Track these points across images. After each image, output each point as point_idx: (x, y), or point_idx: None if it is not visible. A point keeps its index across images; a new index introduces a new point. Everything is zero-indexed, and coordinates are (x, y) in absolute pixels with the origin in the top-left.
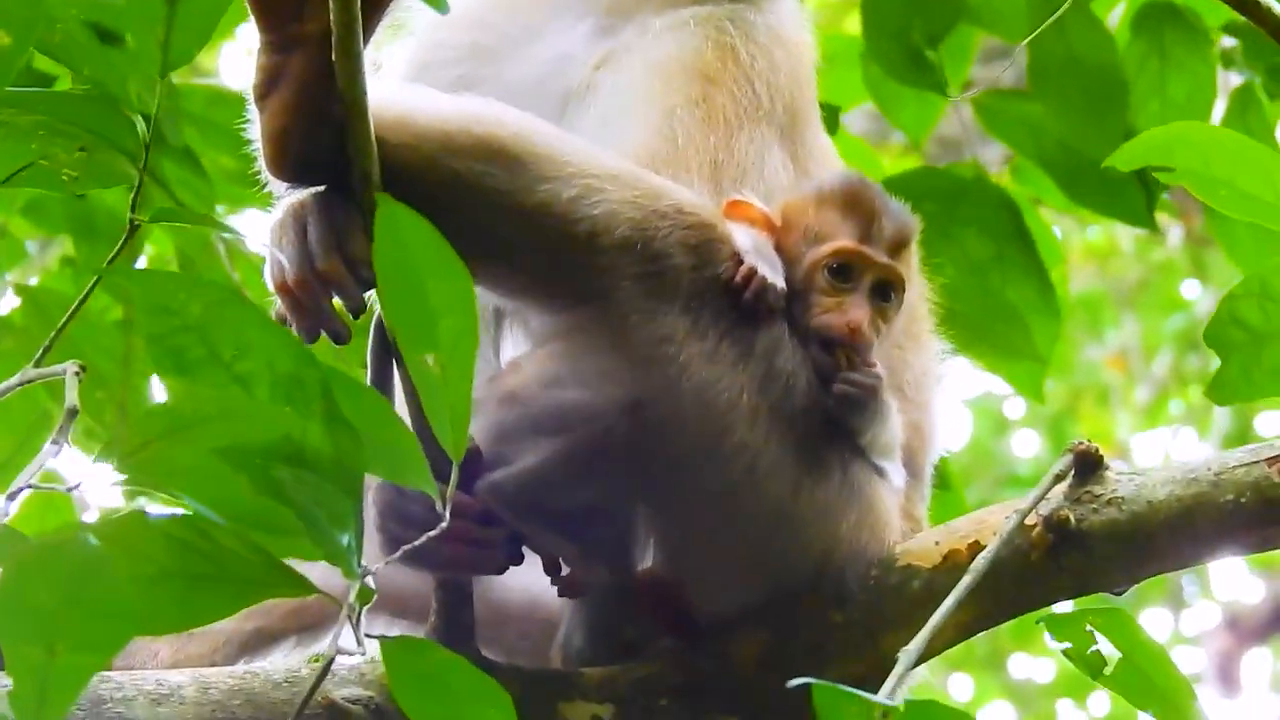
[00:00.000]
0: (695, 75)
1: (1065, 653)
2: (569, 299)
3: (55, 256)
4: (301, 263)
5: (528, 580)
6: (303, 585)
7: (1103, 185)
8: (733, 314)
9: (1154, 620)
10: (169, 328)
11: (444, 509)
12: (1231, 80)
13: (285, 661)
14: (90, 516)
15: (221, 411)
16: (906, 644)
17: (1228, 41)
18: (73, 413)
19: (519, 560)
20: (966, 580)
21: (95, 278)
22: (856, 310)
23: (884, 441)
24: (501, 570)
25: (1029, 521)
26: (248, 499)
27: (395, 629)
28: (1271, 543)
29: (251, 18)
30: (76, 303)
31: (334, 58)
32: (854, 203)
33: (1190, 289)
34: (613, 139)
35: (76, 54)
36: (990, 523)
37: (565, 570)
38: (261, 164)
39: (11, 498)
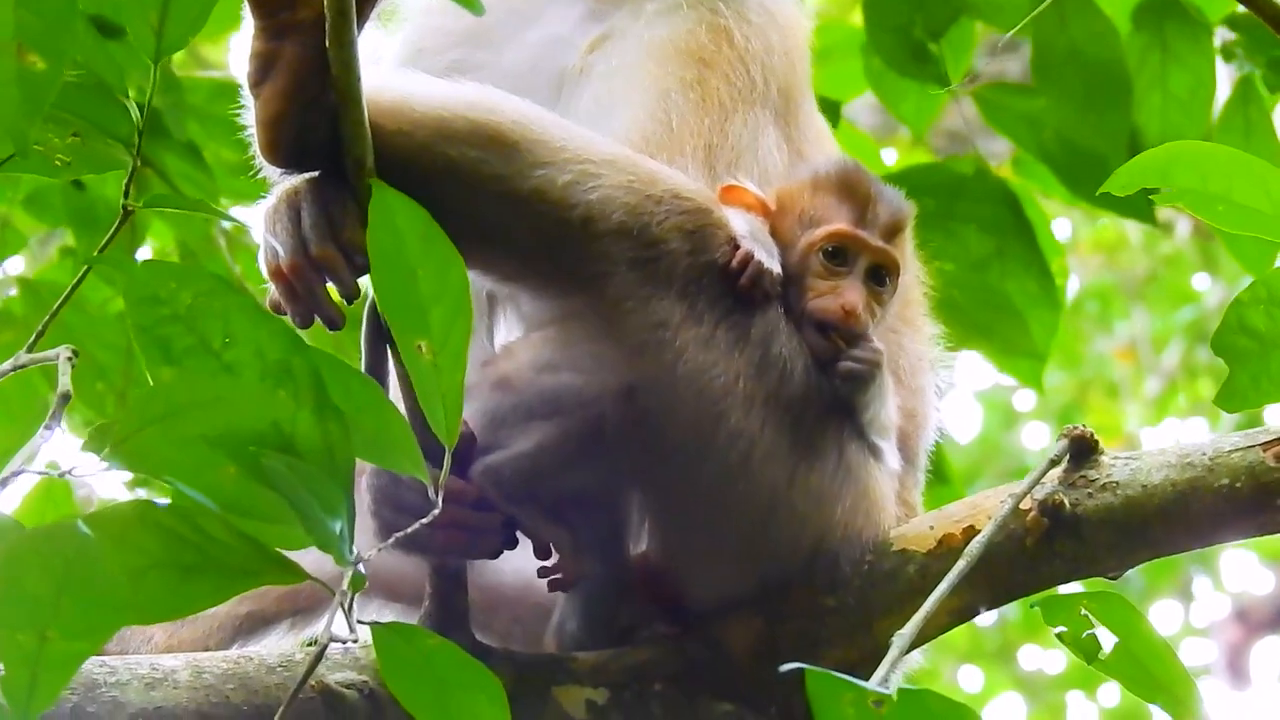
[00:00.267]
0: (689, 58)
1: (1060, 637)
2: (564, 284)
3: (57, 248)
4: (296, 249)
5: (522, 565)
6: (294, 572)
7: (1104, 180)
8: (729, 299)
9: (1164, 612)
10: (157, 317)
11: (436, 495)
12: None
13: (279, 646)
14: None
15: (211, 398)
16: (900, 629)
17: (1228, 35)
18: (65, 397)
19: (513, 545)
20: (960, 565)
21: (88, 269)
22: (851, 293)
23: (883, 420)
24: (496, 555)
25: (1024, 506)
26: (238, 487)
27: (390, 614)
28: (1267, 527)
29: (245, 4)
30: (68, 290)
31: (328, 44)
32: (849, 187)
33: (1201, 281)
34: (606, 123)
35: (70, 41)
36: (985, 507)
37: (555, 561)
38: (256, 150)
39: (3, 484)
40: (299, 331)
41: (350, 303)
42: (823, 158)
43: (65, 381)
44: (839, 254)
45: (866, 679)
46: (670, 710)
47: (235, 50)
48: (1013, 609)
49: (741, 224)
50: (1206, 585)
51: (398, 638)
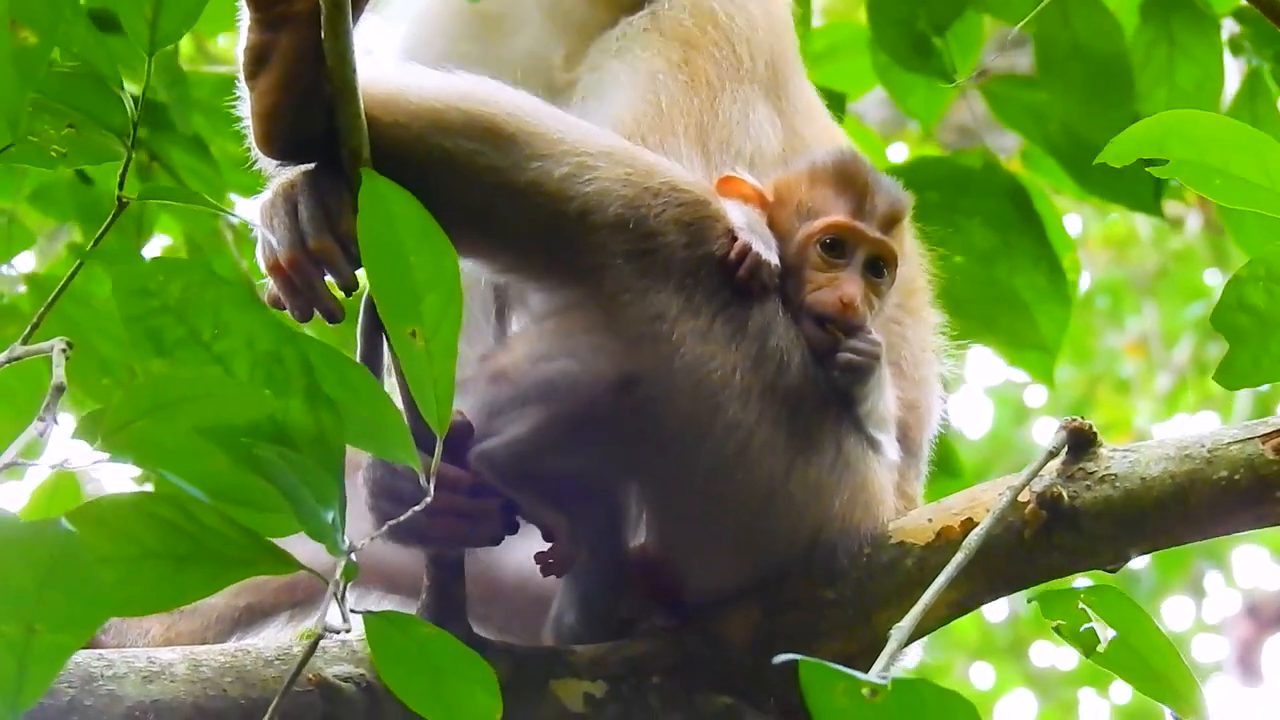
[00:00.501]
0: (675, 41)
1: (1058, 629)
2: (562, 276)
3: (65, 244)
4: (293, 242)
5: (520, 558)
6: (287, 562)
7: (1111, 172)
8: (726, 291)
9: (1176, 609)
10: (148, 308)
11: (428, 483)
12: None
13: (276, 638)
14: None
15: (203, 391)
16: (899, 622)
17: (1235, 28)
18: (60, 388)
19: (513, 530)
20: (959, 557)
21: (81, 262)
22: (850, 285)
23: (881, 412)
24: (495, 542)
25: (1022, 498)
26: (230, 477)
27: (389, 606)
28: (1266, 519)
29: None
30: (63, 282)
31: (323, 36)
32: (847, 178)
33: (1212, 277)
34: (597, 108)
35: (64, 32)
36: (983, 500)
37: (550, 546)
38: (251, 142)
39: None
40: (300, 325)
41: (349, 295)
42: (821, 149)
43: (60, 373)
44: (837, 246)
45: (865, 671)
46: (668, 703)
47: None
48: (1024, 606)
49: (739, 216)
50: (1218, 581)
51: (391, 627)
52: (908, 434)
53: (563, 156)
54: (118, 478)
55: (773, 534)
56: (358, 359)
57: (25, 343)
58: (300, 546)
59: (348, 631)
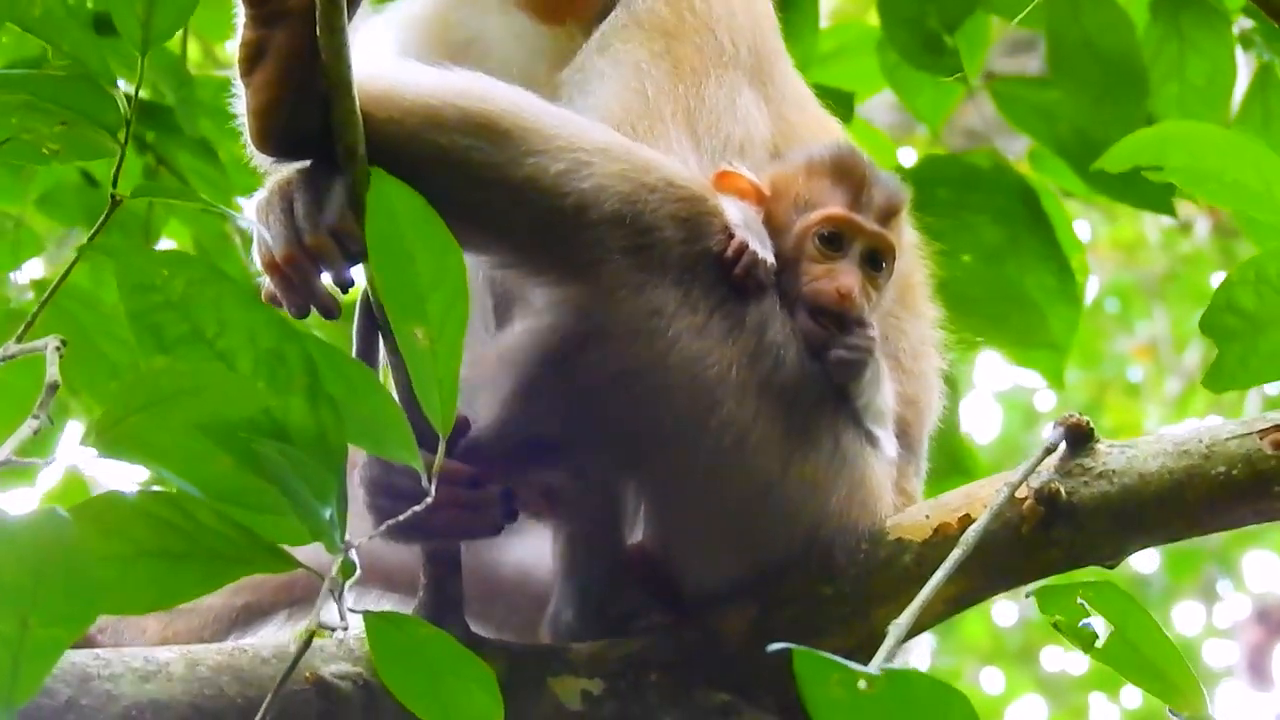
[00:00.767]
0: (654, 31)
1: (1055, 625)
2: (559, 272)
3: (74, 248)
4: (289, 239)
5: (518, 556)
6: (283, 560)
7: (1121, 171)
8: (723, 287)
9: (1186, 613)
10: (150, 304)
11: (429, 482)
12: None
13: (274, 638)
14: None
15: (201, 385)
16: (897, 617)
17: (1246, 23)
18: (53, 386)
19: (514, 517)
20: (956, 553)
21: (76, 258)
22: (847, 277)
23: (878, 406)
24: (498, 530)
25: (1019, 494)
26: (228, 475)
27: (387, 605)
28: (1264, 515)
29: None
30: (59, 278)
31: (318, 31)
32: (844, 171)
33: (1220, 281)
34: (583, 103)
35: (56, 30)
36: (981, 496)
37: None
38: (247, 140)
39: None
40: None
41: (345, 291)
42: (818, 143)
43: (53, 371)
44: (834, 238)
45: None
46: (666, 700)
47: None
48: (1034, 610)
49: (736, 212)
50: (1228, 586)
51: (390, 625)
52: (906, 430)
53: (558, 152)
54: (124, 479)
55: (770, 530)
56: (353, 356)
57: (20, 340)
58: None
59: (345, 630)
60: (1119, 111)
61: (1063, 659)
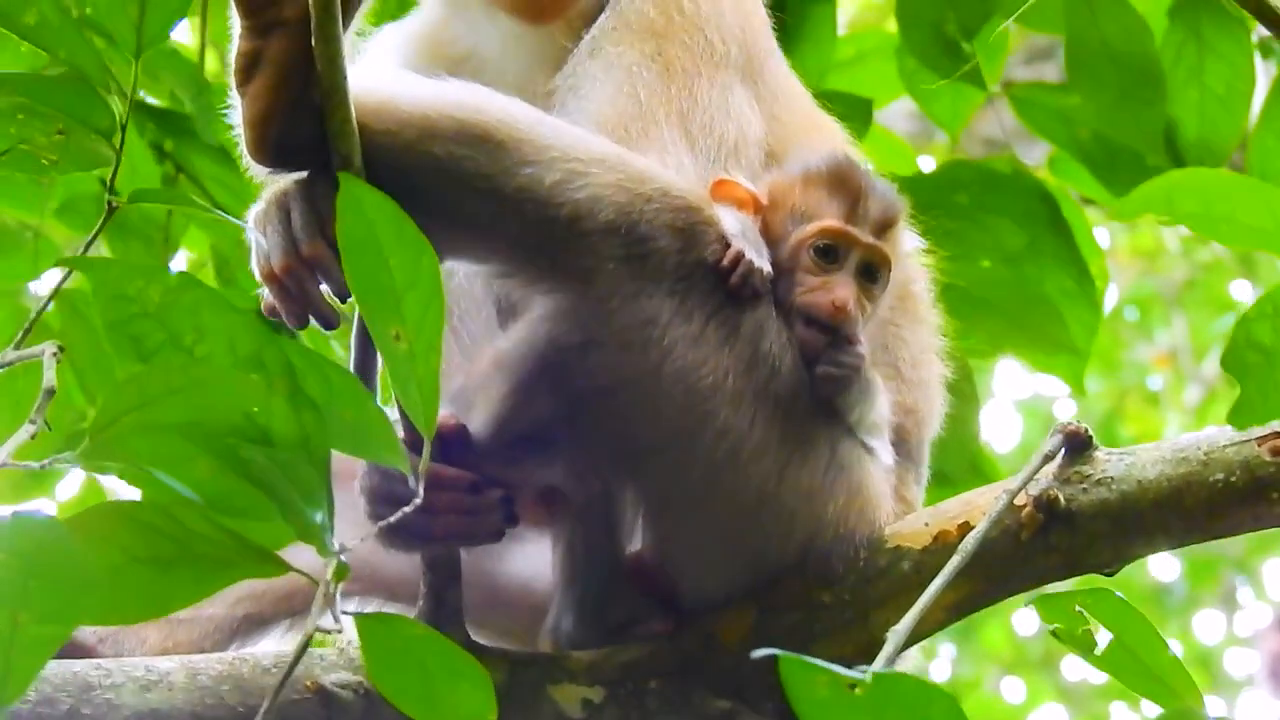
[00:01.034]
0: (643, 34)
1: (1055, 633)
2: (555, 281)
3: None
4: (286, 249)
5: (517, 565)
6: (274, 564)
7: (1141, 177)
8: (718, 297)
9: (1207, 622)
10: (128, 314)
11: (417, 483)
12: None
13: (275, 647)
14: None
15: (185, 384)
16: (895, 624)
17: (1265, 31)
18: (50, 391)
19: (515, 521)
20: (955, 560)
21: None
22: (842, 289)
23: (871, 419)
24: (499, 535)
25: (1018, 501)
26: (217, 484)
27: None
28: (1263, 521)
29: (231, 2)
30: (56, 286)
31: (313, 41)
32: (840, 182)
33: (1240, 288)
34: (577, 109)
35: (51, 37)
36: (980, 503)
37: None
38: (244, 150)
39: None
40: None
41: (344, 301)
42: (815, 153)
43: (50, 377)
44: (830, 251)
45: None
46: (666, 707)
47: None
48: None
49: (732, 222)
50: (1249, 595)
51: (382, 627)
52: (905, 438)
53: (553, 163)
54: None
55: (767, 538)
56: (351, 366)
57: (18, 347)
58: (296, 554)
59: (339, 632)
60: (1138, 116)
61: (1084, 668)
